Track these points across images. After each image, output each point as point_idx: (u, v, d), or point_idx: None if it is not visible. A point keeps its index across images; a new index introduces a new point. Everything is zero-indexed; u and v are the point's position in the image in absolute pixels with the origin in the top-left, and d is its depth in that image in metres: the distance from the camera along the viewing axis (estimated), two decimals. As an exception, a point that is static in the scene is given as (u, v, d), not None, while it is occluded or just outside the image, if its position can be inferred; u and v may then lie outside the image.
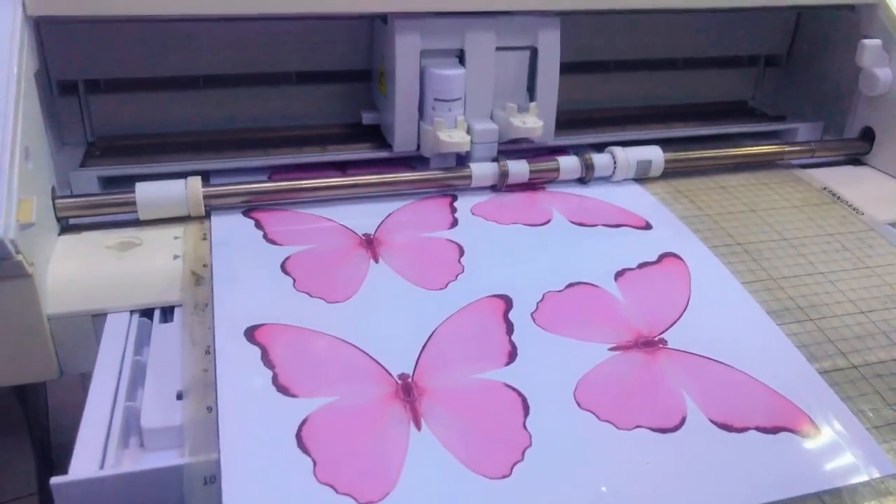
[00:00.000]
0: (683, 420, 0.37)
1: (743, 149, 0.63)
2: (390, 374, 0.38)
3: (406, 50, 0.54)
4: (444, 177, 0.55)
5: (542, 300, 0.44)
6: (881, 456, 0.36)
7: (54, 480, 0.30)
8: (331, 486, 0.32)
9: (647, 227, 0.53)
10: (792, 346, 0.43)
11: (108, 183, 0.54)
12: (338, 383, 0.37)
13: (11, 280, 0.40)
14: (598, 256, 0.49)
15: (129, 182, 0.50)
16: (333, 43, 0.61)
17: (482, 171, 0.55)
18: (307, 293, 0.44)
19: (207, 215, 0.50)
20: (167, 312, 0.43)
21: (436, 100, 0.54)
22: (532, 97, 0.58)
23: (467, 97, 0.56)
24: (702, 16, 0.70)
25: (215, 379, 0.37)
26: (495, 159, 0.56)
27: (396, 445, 0.34)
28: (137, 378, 0.38)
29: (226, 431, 0.34)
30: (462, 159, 0.57)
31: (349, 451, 0.33)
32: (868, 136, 0.64)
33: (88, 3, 0.46)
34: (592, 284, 0.46)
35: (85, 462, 0.32)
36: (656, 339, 0.42)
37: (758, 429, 0.37)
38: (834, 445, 0.36)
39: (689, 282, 0.47)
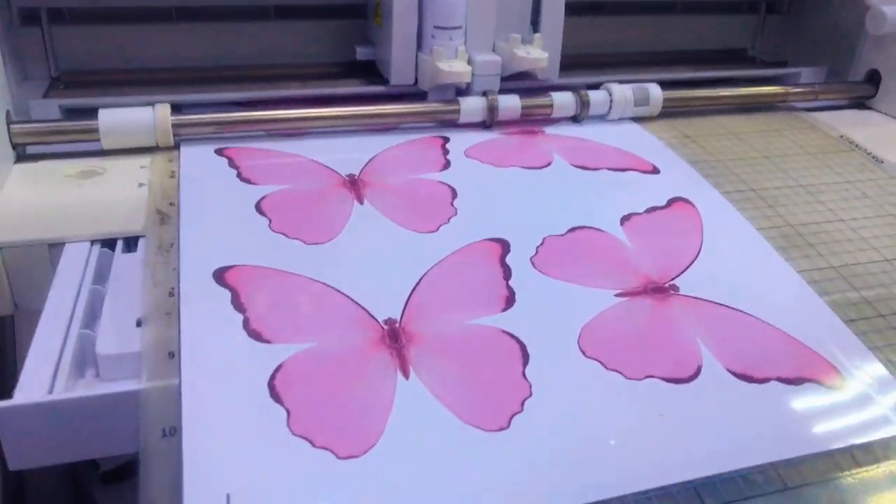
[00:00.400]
0: (699, 370, 0.34)
1: (744, 89, 0.60)
2: (375, 319, 0.35)
3: (405, -26, 0.50)
4: (431, 110, 0.52)
5: (541, 244, 0.41)
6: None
7: (-5, 405, 0.27)
8: (306, 439, 0.29)
9: (655, 171, 0.49)
10: (814, 294, 0.40)
11: (72, 114, 0.50)
12: (316, 328, 0.34)
13: (-44, 202, 0.36)
14: (602, 201, 0.46)
15: (94, 114, 0.46)
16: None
17: (472, 105, 0.52)
18: (283, 234, 0.40)
19: (177, 147, 0.47)
20: (131, 243, 0.40)
21: (435, 27, 0.51)
22: (536, 31, 0.55)
23: (468, 28, 0.53)
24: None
25: (179, 323, 0.33)
26: (485, 94, 0.53)
27: (381, 395, 0.31)
28: (96, 307, 0.35)
29: (188, 379, 0.30)
30: (461, 93, 0.54)
31: (327, 401, 0.30)
32: (874, 79, 0.62)
33: None
34: (597, 229, 0.43)
35: (32, 387, 0.29)
36: (667, 285, 0.39)
37: (780, 379, 0.34)
38: (863, 396, 0.34)
39: (702, 227, 0.44)
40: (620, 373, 0.33)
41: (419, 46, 0.53)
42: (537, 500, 0.28)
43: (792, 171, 0.52)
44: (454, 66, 0.50)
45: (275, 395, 0.30)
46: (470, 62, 0.52)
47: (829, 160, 0.54)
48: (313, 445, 0.28)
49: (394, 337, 0.34)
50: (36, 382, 0.29)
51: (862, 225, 0.46)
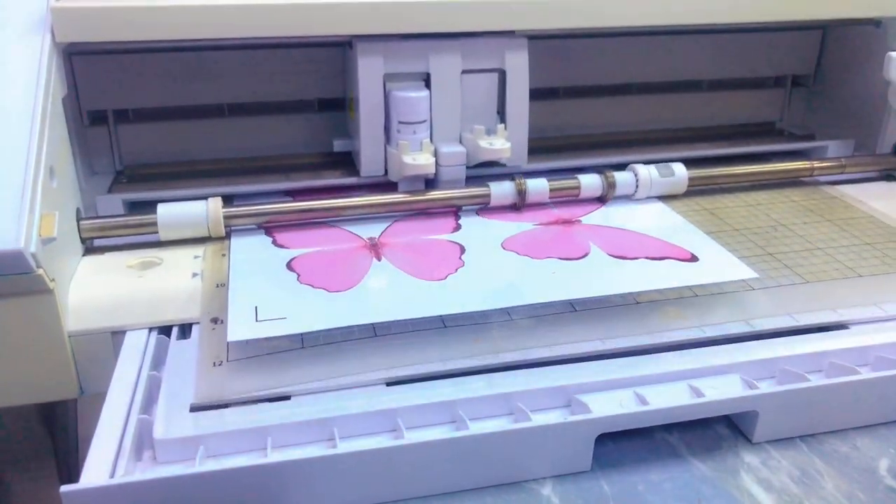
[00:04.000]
0: (587, 254, 0.48)
1: (770, 165, 0.62)
2: (361, 238, 0.51)
3: (369, 73, 0.54)
4: (459, 196, 0.55)
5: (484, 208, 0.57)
6: (745, 267, 0.45)
7: (64, 489, 0.30)
8: (309, 285, 0.44)
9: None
10: (689, 223, 0.53)
11: (134, 207, 0.55)
12: (321, 241, 0.51)
13: (33, 295, 0.40)
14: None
15: (153, 206, 0.50)
16: (316, 72, 0.62)
17: (501, 189, 0.55)
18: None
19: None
20: (185, 329, 0.43)
21: (400, 122, 0.54)
22: (503, 120, 0.57)
23: (434, 121, 0.55)
24: (724, 37, 0.70)
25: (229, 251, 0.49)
26: (512, 178, 0.55)
27: (360, 266, 0.47)
28: (153, 392, 0.38)
29: (234, 259, 0.47)
30: (429, 184, 0.56)
31: (324, 269, 0.46)
32: (901, 151, 0.63)
33: (110, 30, 0.47)
34: None
35: (96, 472, 0.32)
36: (573, 220, 0.54)
37: (647, 258, 0.47)
38: (709, 264, 0.46)
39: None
40: (529, 256, 0.48)
41: (387, 139, 0.56)
42: (458, 307, 0.41)
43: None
44: (418, 159, 0.53)
45: (290, 267, 0.47)
46: (436, 154, 0.55)
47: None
48: (313, 287, 0.44)
49: (372, 244, 0.50)
50: (99, 467, 0.32)
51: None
